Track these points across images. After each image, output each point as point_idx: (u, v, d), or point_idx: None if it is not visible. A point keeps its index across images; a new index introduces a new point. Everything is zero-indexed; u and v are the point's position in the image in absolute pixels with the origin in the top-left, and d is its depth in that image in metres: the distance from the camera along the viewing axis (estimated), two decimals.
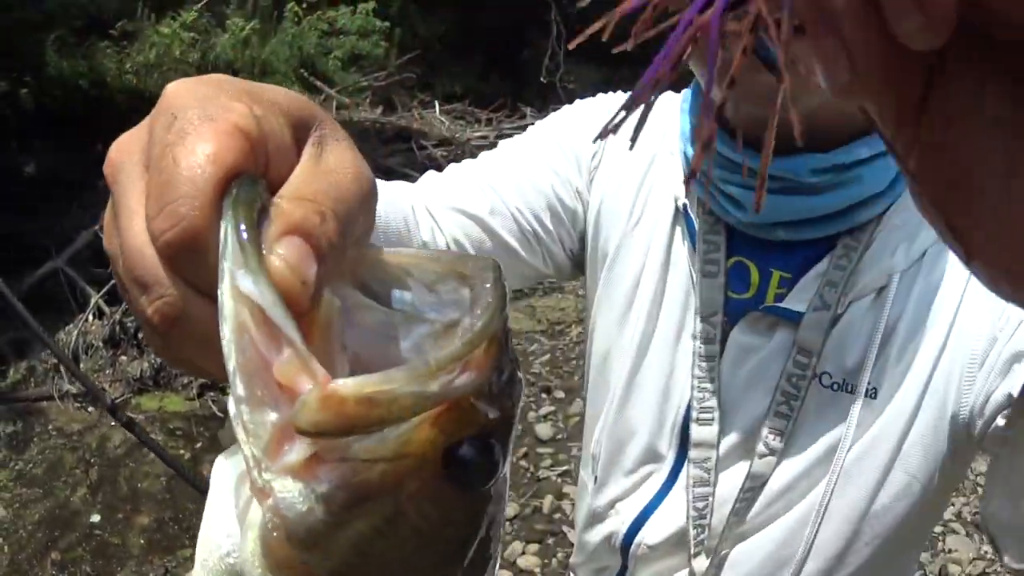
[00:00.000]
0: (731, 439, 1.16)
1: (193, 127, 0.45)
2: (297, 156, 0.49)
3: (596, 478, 1.29)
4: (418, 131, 11.04)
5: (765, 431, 1.12)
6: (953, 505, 5.25)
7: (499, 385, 0.49)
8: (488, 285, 0.48)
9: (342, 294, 0.49)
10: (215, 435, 4.98)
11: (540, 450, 5.30)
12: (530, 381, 6.15)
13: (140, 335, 5.62)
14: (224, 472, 0.51)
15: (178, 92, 0.48)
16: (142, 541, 4.36)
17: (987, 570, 4.63)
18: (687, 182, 1.15)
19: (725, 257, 1.13)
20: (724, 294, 1.14)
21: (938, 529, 4.95)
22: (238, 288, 0.42)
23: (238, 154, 0.44)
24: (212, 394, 5.40)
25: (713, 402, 1.15)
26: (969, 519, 5.12)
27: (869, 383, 1.08)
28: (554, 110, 1.39)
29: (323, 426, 0.42)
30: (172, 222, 0.43)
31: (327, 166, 0.49)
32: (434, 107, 11.76)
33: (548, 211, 1.27)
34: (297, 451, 0.44)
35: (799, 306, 1.09)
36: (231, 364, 0.44)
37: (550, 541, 4.51)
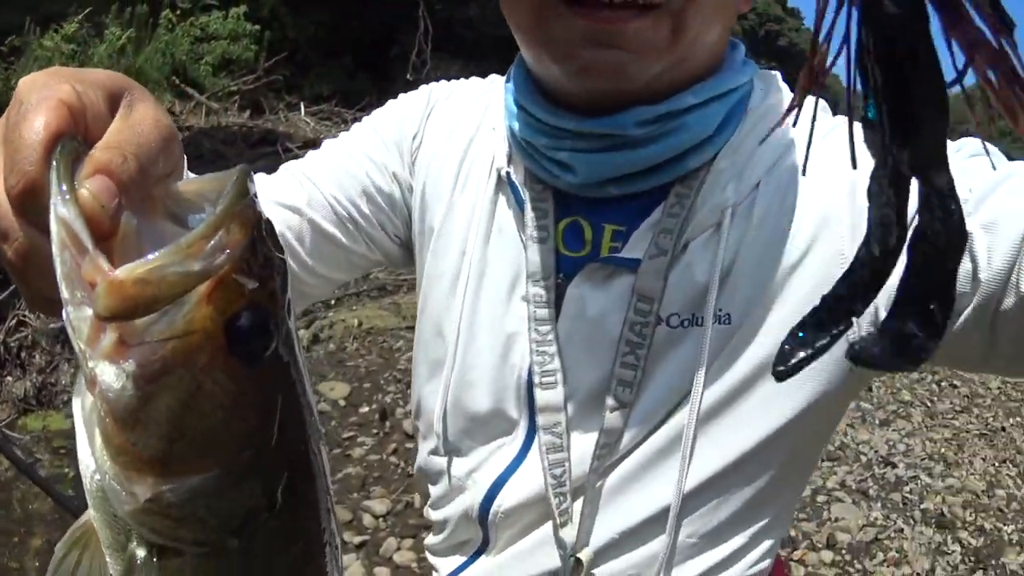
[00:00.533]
0: (579, 398, 1.15)
1: (31, 106, 0.60)
2: (112, 119, 0.63)
3: (448, 455, 1.26)
4: (284, 133, 11.06)
5: (614, 384, 1.11)
6: (836, 474, 5.42)
7: (257, 263, 0.59)
8: (232, 181, 0.59)
9: (157, 227, 0.61)
10: None
11: (409, 445, 5.30)
12: (396, 378, 6.22)
13: (23, 355, 5.69)
14: (76, 403, 0.62)
15: (24, 84, 0.63)
16: (38, 563, 4.34)
17: (879, 536, 4.76)
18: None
19: (554, 221, 1.15)
20: (555, 256, 1.15)
21: (822, 499, 5.12)
22: (57, 214, 0.57)
23: (62, 121, 0.60)
24: None
25: (555, 364, 1.14)
26: (854, 487, 5.28)
27: (720, 309, 1.08)
28: None
29: (113, 309, 0.55)
30: (17, 178, 0.59)
31: (132, 121, 0.63)
32: (299, 109, 11.96)
33: (364, 196, 1.29)
34: (108, 338, 0.56)
35: (636, 254, 1.10)
36: (57, 274, 0.57)
37: (424, 535, 4.43)
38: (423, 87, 1.38)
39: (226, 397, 0.60)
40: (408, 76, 11.45)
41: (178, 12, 14.15)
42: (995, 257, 0.93)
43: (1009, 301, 0.94)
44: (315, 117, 11.93)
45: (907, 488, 5.33)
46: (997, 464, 5.83)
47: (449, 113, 1.31)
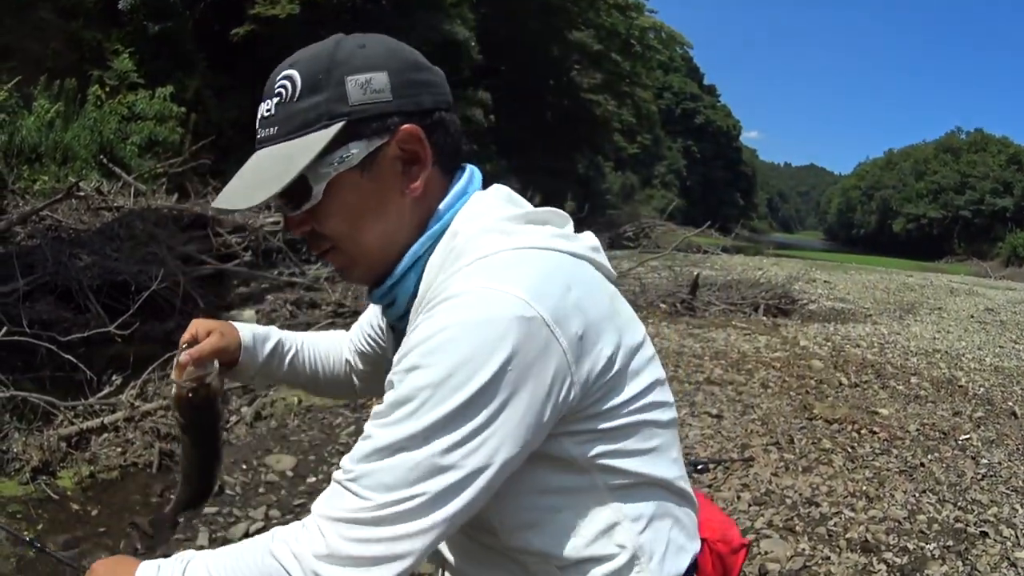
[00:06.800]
0: None
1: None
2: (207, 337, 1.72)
3: None
4: (213, 218, 11.00)
5: None
6: (763, 516, 5.67)
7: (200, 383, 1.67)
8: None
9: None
10: (54, 516, 5.08)
11: None
12: (339, 451, 6.50)
13: None
14: None
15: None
16: None
17: (807, 564, 4.97)
18: None
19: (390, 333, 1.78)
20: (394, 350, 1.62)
21: (750, 537, 5.32)
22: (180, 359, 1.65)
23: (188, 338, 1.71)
24: (44, 478, 5.40)
25: None
26: (781, 525, 5.51)
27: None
28: None
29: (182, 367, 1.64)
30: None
31: (208, 341, 1.72)
32: None
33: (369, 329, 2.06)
34: (182, 372, 1.64)
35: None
36: (176, 363, 1.68)
37: None
38: None
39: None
40: None
41: (107, 88, 14.42)
42: None
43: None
44: None
45: (831, 522, 5.56)
46: (918, 495, 6.09)
47: None
